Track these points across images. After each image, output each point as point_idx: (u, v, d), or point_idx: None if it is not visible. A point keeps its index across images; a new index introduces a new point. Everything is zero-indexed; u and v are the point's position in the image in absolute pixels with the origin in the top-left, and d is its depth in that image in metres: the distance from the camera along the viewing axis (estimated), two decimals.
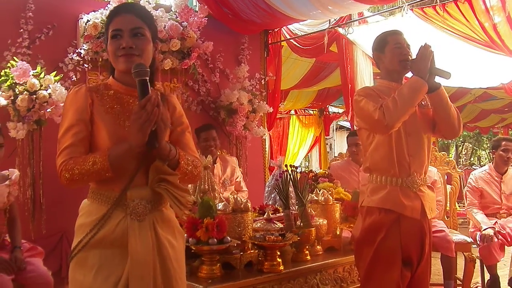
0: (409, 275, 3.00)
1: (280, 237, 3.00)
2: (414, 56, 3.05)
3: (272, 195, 4.12)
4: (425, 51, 2.94)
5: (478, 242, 5.00)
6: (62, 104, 4.11)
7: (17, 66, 4.03)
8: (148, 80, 1.98)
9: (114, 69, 2.21)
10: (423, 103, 3.12)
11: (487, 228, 5.01)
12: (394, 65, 3.10)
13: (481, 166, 6.28)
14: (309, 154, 13.75)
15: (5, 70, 4.11)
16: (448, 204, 5.45)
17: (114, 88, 2.18)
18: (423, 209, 3.03)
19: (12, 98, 4.04)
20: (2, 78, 4.08)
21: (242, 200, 3.25)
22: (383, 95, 3.01)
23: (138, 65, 1.98)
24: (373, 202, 3.05)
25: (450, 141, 22.20)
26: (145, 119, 1.89)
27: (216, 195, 3.62)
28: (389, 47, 3.11)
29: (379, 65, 3.25)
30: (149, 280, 2.00)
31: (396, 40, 3.11)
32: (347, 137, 5.82)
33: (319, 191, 3.85)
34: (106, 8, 4.65)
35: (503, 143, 5.46)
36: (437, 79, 3.00)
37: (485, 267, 5.16)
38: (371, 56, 6.26)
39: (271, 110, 6.18)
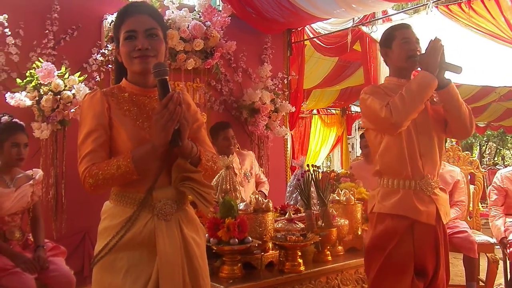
0: (422, 287, 2.83)
1: (301, 238, 2.99)
2: (423, 51, 2.91)
3: (294, 195, 4.11)
4: (435, 45, 2.80)
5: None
6: None
7: (42, 67, 4.09)
8: (168, 79, 1.98)
9: (122, 72, 2.21)
10: (435, 99, 2.98)
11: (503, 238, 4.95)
12: (402, 61, 2.94)
13: (505, 166, 6.20)
14: (331, 154, 13.69)
15: (31, 71, 4.18)
16: (471, 205, 5.39)
17: (128, 90, 2.16)
18: (438, 214, 2.87)
19: (37, 98, 4.11)
20: (28, 78, 4.15)
21: (264, 200, 3.25)
22: (391, 93, 2.87)
23: (158, 64, 1.97)
24: (384, 208, 2.86)
25: (473, 140, 21.97)
26: (167, 118, 1.88)
27: (238, 195, 3.62)
28: (397, 42, 2.95)
29: (386, 61, 3.09)
30: (179, 279, 2.00)
31: (404, 35, 2.95)
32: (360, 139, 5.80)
33: (341, 191, 3.83)
34: None
35: None
36: (450, 76, 2.88)
37: (508, 268, 5.09)
38: None
39: (293, 109, 6.19)
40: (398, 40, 2.95)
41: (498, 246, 5.02)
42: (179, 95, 1.94)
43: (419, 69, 2.91)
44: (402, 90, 2.77)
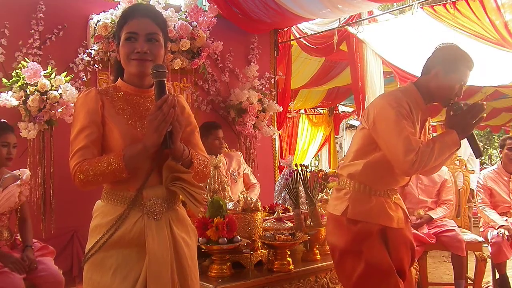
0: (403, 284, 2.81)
1: (290, 237, 3.00)
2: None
3: (282, 194, 4.12)
4: (479, 112, 2.68)
5: (489, 240, 4.97)
6: (72, 105, 4.15)
7: (28, 67, 4.06)
8: (165, 81, 2.01)
9: (121, 70, 2.22)
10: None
11: (504, 225, 4.99)
12: (442, 94, 2.79)
13: (492, 165, 6.24)
14: (319, 153, 13.71)
15: (16, 70, 4.14)
16: (459, 204, 5.42)
17: (123, 90, 2.19)
18: (406, 217, 2.92)
19: (23, 98, 4.07)
20: (14, 78, 4.11)
21: (254, 197, 3.25)
22: (412, 114, 2.72)
23: (157, 66, 2.01)
24: (359, 215, 2.78)
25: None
26: (161, 119, 1.92)
27: (226, 194, 3.63)
28: (456, 77, 2.74)
29: (429, 75, 2.81)
30: (167, 279, 2.01)
31: (466, 77, 2.77)
32: None
33: (329, 190, 3.85)
34: (116, 8, 4.67)
35: (508, 141, 5.43)
36: None
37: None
38: (381, 55, 6.26)
39: (281, 109, 6.19)
40: (459, 77, 2.75)
41: (486, 244, 5.06)
42: (174, 97, 1.98)
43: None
44: (435, 145, 2.62)
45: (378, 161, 2.78)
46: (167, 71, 2.03)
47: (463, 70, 2.76)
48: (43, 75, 4.14)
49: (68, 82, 4.27)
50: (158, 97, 1.97)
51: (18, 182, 3.75)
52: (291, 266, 3.03)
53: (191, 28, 4.99)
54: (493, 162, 20.67)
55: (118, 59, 2.20)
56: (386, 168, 2.76)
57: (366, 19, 6.35)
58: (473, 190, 5.41)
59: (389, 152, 2.70)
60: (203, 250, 2.85)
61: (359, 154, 2.87)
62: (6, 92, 4.08)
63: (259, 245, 3.16)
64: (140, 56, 2.09)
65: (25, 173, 3.86)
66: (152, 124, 1.93)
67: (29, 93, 4.06)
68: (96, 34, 4.59)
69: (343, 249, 2.82)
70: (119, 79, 2.24)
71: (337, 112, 12.63)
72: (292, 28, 6.74)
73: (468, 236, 4.95)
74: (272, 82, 6.39)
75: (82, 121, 2.06)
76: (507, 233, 4.87)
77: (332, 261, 2.99)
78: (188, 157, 2.12)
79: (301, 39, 6.94)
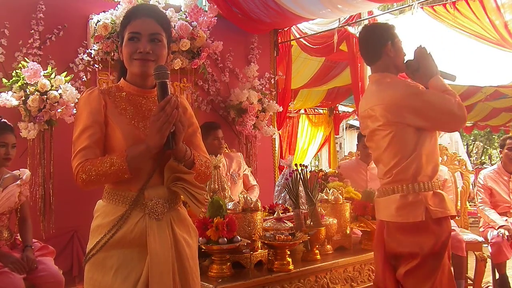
0: None
1: (290, 237, 2.99)
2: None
3: (282, 194, 4.12)
4: (425, 51, 2.97)
5: (489, 240, 4.98)
6: (72, 105, 4.15)
7: (28, 67, 4.05)
8: (168, 82, 2.01)
9: (124, 70, 2.23)
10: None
11: (504, 225, 4.99)
12: (400, 60, 3.05)
13: (492, 165, 6.25)
14: (318, 153, 13.71)
15: (16, 70, 4.14)
16: (459, 203, 5.42)
17: (126, 90, 2.19)
18: None
19: (23, 98, 4.06)
20: (14, 78, 4.11)
21: (252, 199, 3.25)
22: None
23: (160, 67, 2.01)
24: (442, 212, 2.79)
25: (460, 139, 22.15)
26: (164, 120, 1.92)
27: (226, 194, 3.62)
28: (397, 41, 3.04)
29: (383, 56, 3.01)
30: (169, 279, 2.01)
31: (398, 36, 3.07)
32: (359, 138, 5.73)
33: (329, 190, 3.84)
34: (116, 8, 4.66)
35: (508, 141, 5.44)
36: None
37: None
38: None
39: (281, 109, 6.19)
40: (398, 40, 3.05)
41: (486, 244, 5.06)
42: (177, 98, 2.00)
43: None
44: (448, 89, 2.86)
45: (423, 146, 2.86)
46: (169, 72, 2.03)
47: (394, 33, 3.06)
48: (43, 75, 4.14)
49: (68, 82, 4.27)
50: (161, 98, 1.97)
51: (18, 182, 3.75)
52: (291, 266, 3.03)
53: (191, 28, 4.98)
54: (493, 162, 20.68)
55: (121, 59, 2.21)
56: (432, 146, 2.91)
57: (366, 19, 6.35)
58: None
59: (443, 116, 2.83)
60: (203, 250, 2.84)
61: (404, 155, 2.87)
62: (6, 92, 4.08)
63: (259, 245, 3.16)
64: (142, 56, 2.10)
65: (25, 173, 3.87)
66: (155, 125, 1.93)
67: (29, 93, 4.06)
68: (96, 34, 4.58)
69: (427, 253, 2.76)
70: (122, 79, 2.24)
71: (337, 112, 12.62)
72: (292, 28, 6.73)
73: (468, 236, 4.95)
74: (272, 82, 6.39)
75: (84, 121, 2.07)
76: (507, 233, 4.87)
77: (401, 271, 2.84)
78: (190, 158, 2.12)
79: (301, 39, 6.94)
